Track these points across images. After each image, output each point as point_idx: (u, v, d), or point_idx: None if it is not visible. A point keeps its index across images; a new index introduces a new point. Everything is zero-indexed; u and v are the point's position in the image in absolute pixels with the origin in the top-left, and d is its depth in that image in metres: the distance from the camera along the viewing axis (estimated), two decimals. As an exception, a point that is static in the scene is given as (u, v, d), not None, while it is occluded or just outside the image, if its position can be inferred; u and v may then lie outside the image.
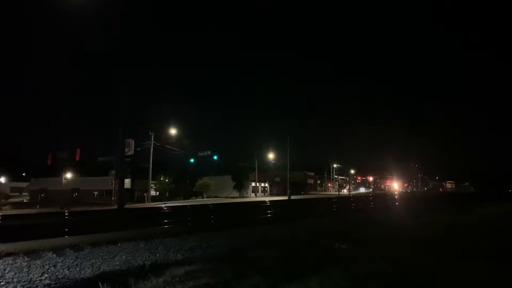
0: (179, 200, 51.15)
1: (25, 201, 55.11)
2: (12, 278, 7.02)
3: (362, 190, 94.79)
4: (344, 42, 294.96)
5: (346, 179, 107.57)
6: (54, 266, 7.94)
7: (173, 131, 44.28)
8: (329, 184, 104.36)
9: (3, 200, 44.83)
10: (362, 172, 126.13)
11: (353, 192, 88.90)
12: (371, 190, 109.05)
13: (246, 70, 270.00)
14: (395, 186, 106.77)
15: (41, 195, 56.14)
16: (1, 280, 6.90)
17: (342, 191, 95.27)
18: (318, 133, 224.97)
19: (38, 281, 6.88)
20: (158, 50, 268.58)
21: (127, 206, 33.27)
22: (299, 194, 68.74)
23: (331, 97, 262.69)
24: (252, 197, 63.62)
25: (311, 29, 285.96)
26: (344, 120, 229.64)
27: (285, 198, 49.31)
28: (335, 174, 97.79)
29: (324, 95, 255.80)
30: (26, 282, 6.80)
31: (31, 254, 8.91)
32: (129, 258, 8.78)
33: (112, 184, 42.22)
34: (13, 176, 73.99)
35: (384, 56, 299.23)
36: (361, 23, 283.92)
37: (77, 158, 40.04)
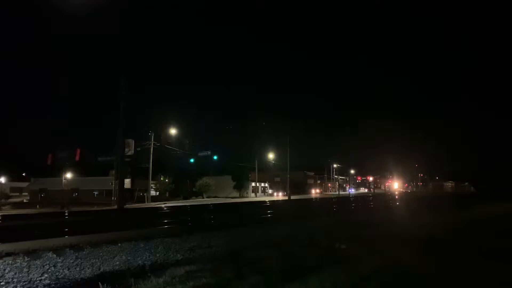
0: (179, 200, 51.15)
1: (25, 201, 55.10)
2: (12, 278, 7.02)
3: (352, 191, 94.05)
4: (342, 39, 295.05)
5: (346, 179, 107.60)
6: (54, 266, 7.94)
7: (173, 131, 44.31)
8: (329, 184, 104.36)
9: (3, 200, 44.88)
10: (362, 172, 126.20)
11: (353, 192, 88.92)
12: (369, 190, 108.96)
13: (245, 70, 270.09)
14: (396, 186, 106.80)
15: (41, 195, 56.12)
16: (1, 280, 6.90)
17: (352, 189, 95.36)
18: (318, 133, 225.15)
19: (38, 281, 6.88)
20: (158, 49, 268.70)
21: (127, 206, 33.26)
22: (299, 194, 68.74)
23: (331, 97, 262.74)
24: (252, 197, 63.62)
25: (310, 28, 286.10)
26: (345, 120, 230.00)
27: (285, 198, 49.37)
28: (335, 174, 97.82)
29: (324, 95, 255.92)
30: (26, 282, 6.80)
31: (31, 254, 8.90)
32: (129, 258, 8.78)
33: (112, 184, 42.20)
34: (13, 176, 73.98)
35: (383, 55, 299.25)
36: (359, 16, 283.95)
37: (77, 158, 40.07)
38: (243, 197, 63.59)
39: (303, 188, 78.75)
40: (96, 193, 53.18)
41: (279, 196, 65.19)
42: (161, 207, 28.35)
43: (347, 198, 50.46)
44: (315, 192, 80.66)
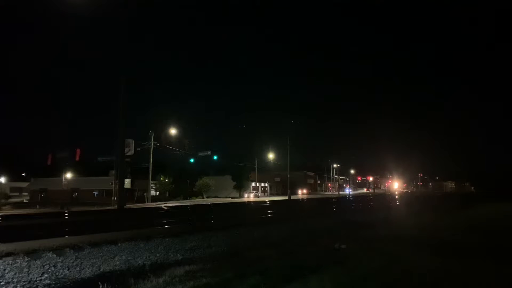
0: (179, 200, 51.15)
1: (25, 201, 55.06)
2: (12, 278, 7.02)
3: (349, 191, 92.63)
4: (343, 38, 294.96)
5: (346, 179, 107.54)
6: (54, 266, 7.94)
7: (173, 131, 44.26)
8: (329, 184, 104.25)
9: (3, 200, 44.81)
10: (362, 172, 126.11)
11: (353, 192, 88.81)
12: (369, 190, 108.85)
13: (246, 70, 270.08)
14: (396, 186, 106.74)
15: (41, 195, 56.10)
16: (1, 280, 6.90)
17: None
18: (318, 133, 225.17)
19: (38, 281, 6.88)
20: (158, 50, 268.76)
21: (127, 206, 33.28)
22: (309, 194, 68.61)
23: (332, 97, 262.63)
24: (252, 197, 63.60)
25: (310, 28, 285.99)
26: (345, 120, 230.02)
27: (285, 198, 49.35)
28: (335, 174, 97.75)
29: (324, 95, 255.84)
30: (26, 282, 6.80)
31: (31, 254, 8.90)
32: (129, 258, 8.78)
33: (112, 184, 42.20)
34: (13, 176, 73.91)
35: (384, 55, 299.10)
36: (359, 16, 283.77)
37: (77, 158, 40.08)
38: (243, 197, 63.55)
39: (303, 188, 78.29)
40: (96, 193, 53.13)
41: (279, 196, 64.99)
42: (161, 207, 28.37)
43: (347, 198, 50.44)
44: (302, 192, 73.98)
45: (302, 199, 49.03)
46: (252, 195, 61.95)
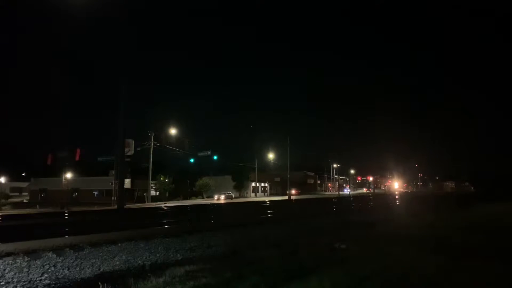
0: (179, 200, 51.18)
1: (25, 201, 55.06)
2: (12, 278, 7.02)
3: (347, 191, 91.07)
4: (341, 37, 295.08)
5: (346, 179, 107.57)
6: (54, 266, 7.94)
7: (173, 131, 44.30)
8: (329, 184, 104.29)
9: (3, 200, 44.83)
10: (362, 172, 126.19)
11: (353, 192, 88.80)
12: (369, 190, 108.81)
13: (245, 70, 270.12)
14: (396, 186, 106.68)
15: (41, 195, 56.10)
16: (1, 280, 6.90)
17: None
18: (319, 133, 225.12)
19: (38, 281, 6.89)
20: (158, 50, 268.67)
21: (127, 206, 33.24)
22: (299, 194, 68.65)
23: (332, 97, 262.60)
24: (252, 197, 63.62)
25: (310, 28, 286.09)
26: (345, 120, 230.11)
27: (285, 198, 49.34)
28: (335, 174, 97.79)
29: (325, 94, 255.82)
30: (26, 282, 6.81)
31: (31, 254, 8.90)
32: (129, 258, 8.79)
33: (112, 184, 42.22)
34: (13, 176, 73.92)
35: (384, 55, 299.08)
36: (360, 16, 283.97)
37: (77, 158, 40.11)
38: (243, 197, 63.59)
39: (303, 188, 78.11)
40: (96, 193, 53.14)
41: (279, 196, 64.96)
42: (161, 207, 28.32)
43: (346, 198, 50.37)
44: (290, 193, 63.26)
45: (302, 199, 48.97)
46: (222, 196, 54.15)
